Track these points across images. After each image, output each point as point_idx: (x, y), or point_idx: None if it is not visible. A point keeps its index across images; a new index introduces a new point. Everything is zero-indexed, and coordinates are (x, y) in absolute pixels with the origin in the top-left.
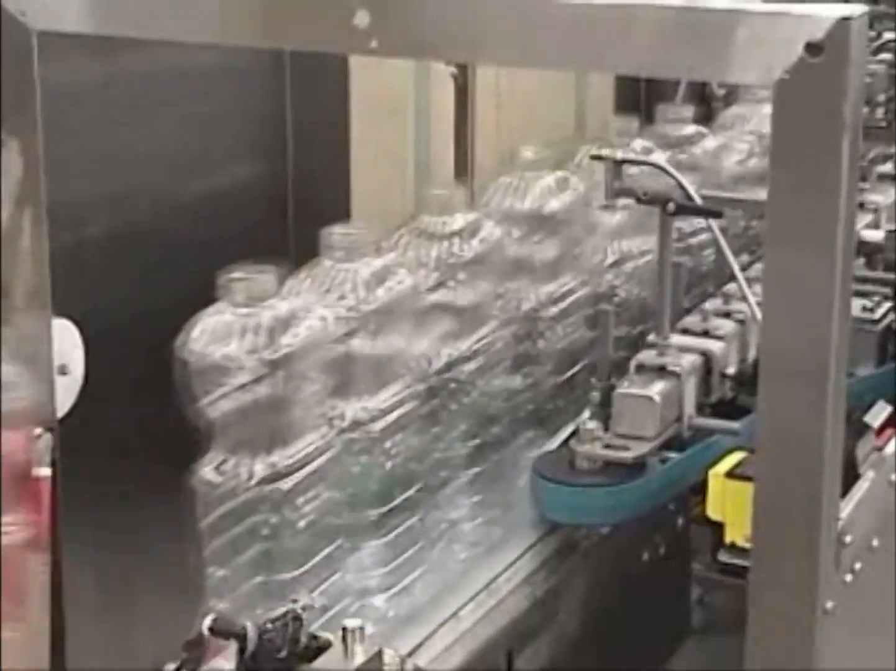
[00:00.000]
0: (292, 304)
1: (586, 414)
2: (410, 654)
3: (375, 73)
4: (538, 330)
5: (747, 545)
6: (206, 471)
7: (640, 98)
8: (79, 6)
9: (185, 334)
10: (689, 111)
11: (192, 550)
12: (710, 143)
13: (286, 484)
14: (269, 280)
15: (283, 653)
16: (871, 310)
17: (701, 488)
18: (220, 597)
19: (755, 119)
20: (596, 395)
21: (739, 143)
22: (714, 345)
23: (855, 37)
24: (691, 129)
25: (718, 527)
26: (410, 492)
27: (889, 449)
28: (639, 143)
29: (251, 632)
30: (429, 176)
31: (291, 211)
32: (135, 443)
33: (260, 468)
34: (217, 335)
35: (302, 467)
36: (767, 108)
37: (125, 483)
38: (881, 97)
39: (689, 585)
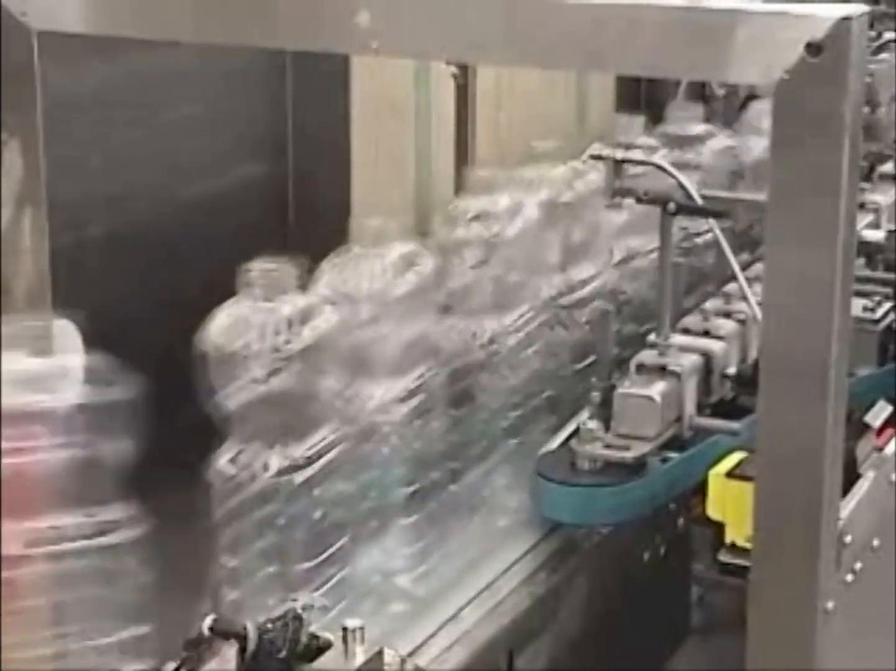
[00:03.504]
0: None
1: (586, 413)
2: (411, 654)
3: (376, 74)
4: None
5: (747, 545)
6: (222, 462)
7: (640, 97)
8: (79, 6)
9: (205, 327)
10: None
11: (205, 541)
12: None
13: (300, 476)
14: (289, 273)
15: (284, 653)
16: (872, 310)
17: (701, 488)
18: (233, 587)
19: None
20: (596, 395)
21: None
22: (714, 345)
23: (855, 37)
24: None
25: (719, 527)
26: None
27: (889, 449)
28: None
29: (251, 632)
30: (429, 176)
31: (291, 211)
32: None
33: (275, 460)
34: (236, 328)
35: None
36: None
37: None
38: (881, 97)
39: (690, 585)
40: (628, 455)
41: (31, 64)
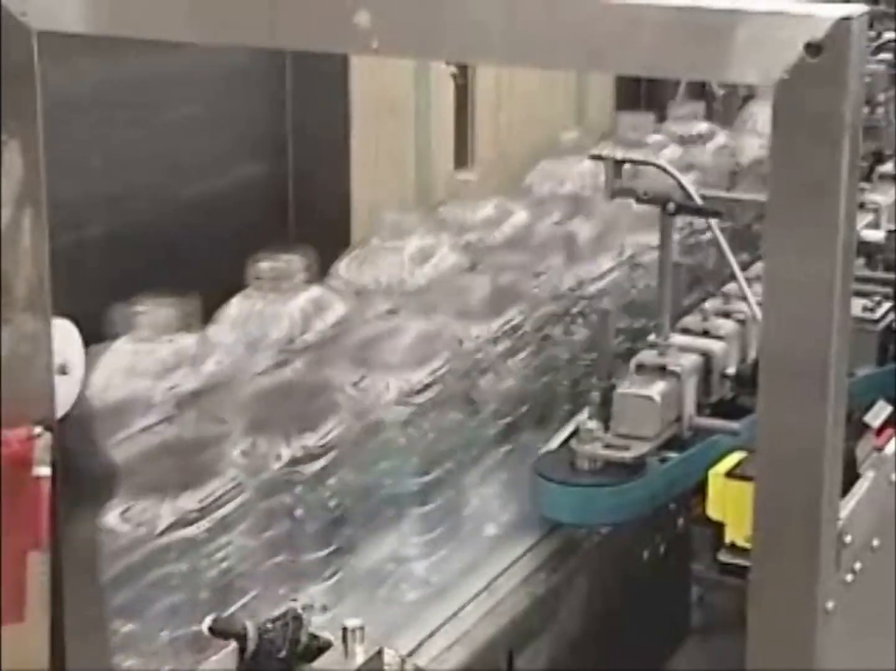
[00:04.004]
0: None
1: (586, 413)
2: (411, 654)
3: (376, 74)
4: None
5: (747, 545)
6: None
7: (640, 97)
8: (79, 6)
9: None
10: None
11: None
12: None
13: (196, 529)
14: (172, 313)
15: (284, 653)
16: (872, 310)
17: (701, 488)
18: (126, 652)
19: None
20: (596, 395)
21: None
22: (714, 345)
23: (855, 37)
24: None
25: (718, 527)
26: None
27: (889, 449)
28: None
29: (251, 632)
30: (429, 176)
31: (291, 211)
32: None
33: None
34: (121, 372)
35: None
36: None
37: None
38: (881, 97)
39: (690, 585)
40: (628, 455)
41: (31, 64)
